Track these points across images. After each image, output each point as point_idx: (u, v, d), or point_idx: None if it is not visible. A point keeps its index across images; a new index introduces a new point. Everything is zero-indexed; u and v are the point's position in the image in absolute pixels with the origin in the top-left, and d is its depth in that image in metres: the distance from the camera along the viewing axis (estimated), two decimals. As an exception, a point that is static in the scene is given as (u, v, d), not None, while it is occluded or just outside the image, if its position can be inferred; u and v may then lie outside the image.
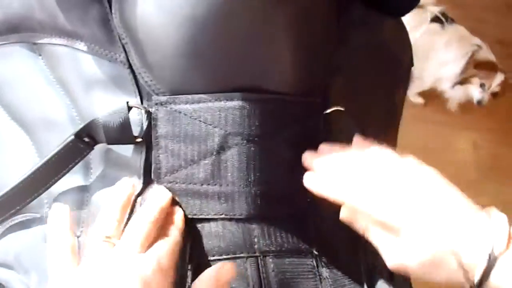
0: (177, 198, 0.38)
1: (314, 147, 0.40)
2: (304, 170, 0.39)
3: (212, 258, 0.37)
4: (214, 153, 0.38)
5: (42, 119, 0.43)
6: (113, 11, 0.39)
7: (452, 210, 0.34)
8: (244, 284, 0.37)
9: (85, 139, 0.39)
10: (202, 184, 0.38)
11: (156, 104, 0.38)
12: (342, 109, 0.43)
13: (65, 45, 0.41)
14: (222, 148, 0.37)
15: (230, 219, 0.38)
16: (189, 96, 0.38)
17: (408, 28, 0.53)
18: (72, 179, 0.41)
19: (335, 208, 0.38)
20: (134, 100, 0.39)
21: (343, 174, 0.37)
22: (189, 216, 0.38)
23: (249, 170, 0.38)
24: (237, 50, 0.37)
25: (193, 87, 0.38)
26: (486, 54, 1.28)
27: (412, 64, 0.53)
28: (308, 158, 0.39)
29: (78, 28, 0.40)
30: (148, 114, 0.38)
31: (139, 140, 0.39)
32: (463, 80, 1.28)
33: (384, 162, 0.37)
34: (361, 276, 0.41)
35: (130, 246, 0.34)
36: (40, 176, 0.40)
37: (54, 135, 0.42)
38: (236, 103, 0.37)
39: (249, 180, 0.38)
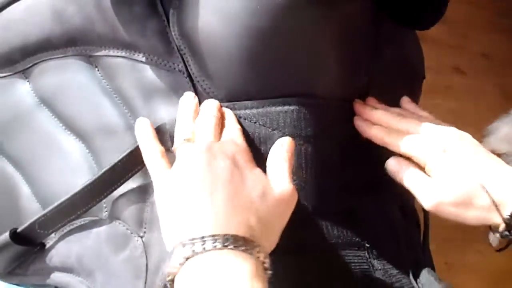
0: None
1: (357, 148, 0.44)
2: (350, 167, 0.43)
3: None
4: (256, 148, 0.40)
5: (99, 128, 0.45)
6: (170, 24, 0.42)
7: (481, 153, 0.40)
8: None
9: None
10: None
11: None
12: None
13: (124, 57, 0.44)
14: (264, 146, 0.41)
15: None
16: (248, 102, 0.41)
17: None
18: (131, 181, 0.43)
19: (380, 200, 0.43)
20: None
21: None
22: None
23: (304, 168, 0.41)
24: (292, 59, 0.40)
25: (251, 93, 0.41)
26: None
27: (424, 76, 0.57)
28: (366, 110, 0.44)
29: (137, 39, 0.43)
30: None
31: None
32: None
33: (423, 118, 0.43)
34: (407, 268, 0.44)
35: (206, 138, 0.37)
36: (103, 183, 0.42)
37: (112, 143, 0.45)
38: (293, 107, 0.40)
39: (304, 178, 0.41)
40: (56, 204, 0.42)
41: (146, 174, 0.44)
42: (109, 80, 0.45)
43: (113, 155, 0.43)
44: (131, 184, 0.43)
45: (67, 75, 0.47)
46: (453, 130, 0.41)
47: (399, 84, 0.51)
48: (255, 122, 0.41)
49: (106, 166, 0.42)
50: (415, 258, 0.45)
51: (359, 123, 0.44)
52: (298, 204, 0.40)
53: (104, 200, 0.44)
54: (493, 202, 0.37)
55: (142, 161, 0.41)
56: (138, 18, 0.43)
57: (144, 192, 0.43)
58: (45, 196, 0.47)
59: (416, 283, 0.43)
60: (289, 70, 0.40)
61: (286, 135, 0.40)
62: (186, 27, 0.41)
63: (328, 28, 0.40)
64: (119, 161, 0.41)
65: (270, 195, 0.35)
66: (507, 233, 0.38)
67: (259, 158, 0.40)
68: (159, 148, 0.39)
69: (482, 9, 1.64)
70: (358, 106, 0.44)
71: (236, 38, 0.39)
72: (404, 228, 0.47)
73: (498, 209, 0.37)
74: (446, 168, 0.39)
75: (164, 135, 0.41)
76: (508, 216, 0.37)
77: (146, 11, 0.43)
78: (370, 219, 0.44)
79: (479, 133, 1.51)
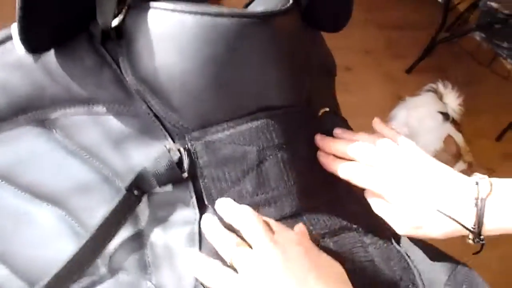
0: None
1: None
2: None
3: None
4: (255, 167, 0.43)
5: (73, 187, 0.44)
6: (123, 70, 0.43)
7: (428, 169, 0.44)
8: None
9: (134, 192, 0.42)
10: (251, 196, 0.43)
11: (191, 140, 0.43)
12: (327, 109, 0.52)
13: (82, 113, 0.44)
14: (260, 161, 0.43)
15: (280, 219, 0.43)
16: (219, 126, 0.43)
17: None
18: (122, 230, 0.43)
19: (356, 189, 0.48)
20: (167, 142, 0.43)
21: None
22: None
23: (286, 173, 0.44)
24: (249, 78, 0.43)
25: (219, 117, 0.43)
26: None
27: (336, 74, 0.62)
28: (325, 142, 0.48)
29: (94, 92, 0.43)
30: (187, 151, 0.43)
31: (185, 175, 0.43)
32: None
33: (386, 147, 0.47)
34: (390, 237, 0.48)
35: (264, 239, 0.38)
36: (95, 241, 0.42)
37: (91, 199, 0.44)
38: (260, 121, 0.43)
39: (288, 181, 0.44)
40: (51, 275, 0.41)
41: (136, 220, 0.44)
42: (71, 139, 0.45)
43: (97, 211, 0.42)
44: (123, 233, 0.43)
45: (22, 146, 0.45)
46: (397, 152, 0.46)
47: (324, 84, 0.57)
48: (230, 143, 0.43)
49: (91, 224, 0.42)
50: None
51: (322, 160, 0.48)
52: (291, 206, 0.43)
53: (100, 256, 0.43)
54: (455, 220, 0.41)
55: (132, 208, 0.41)
56: (91, 71, 0.43)
57: (139, 237, 0.43)
58: (27, 271, 0.45)
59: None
60: (248, 88, 0.43)
61: (262, 148, 0.43)
62: (142, 70, 0.42)
63: (275, 44, 0.44)
64: (108, 215, 0.41)
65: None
66: (477, 239, 0.42)
67: (243, 174, 0.42)
68: (235, 240, 0.40)
69: (356, 8, 1.83)
70: (318, 140, 0.48)
71: (197, 69, 0.41)
72: None
73: (461, 224, 0.41)
74: (401, 199, 0.44)
75: (148, 179, 0.42)
76: (473, 227, 0.41)
77: (97, 63, 0.43)
78: (349, 203, 0.48)
79: (383, 117, 1.68)
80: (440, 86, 1.57)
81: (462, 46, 2.04)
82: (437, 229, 0.43)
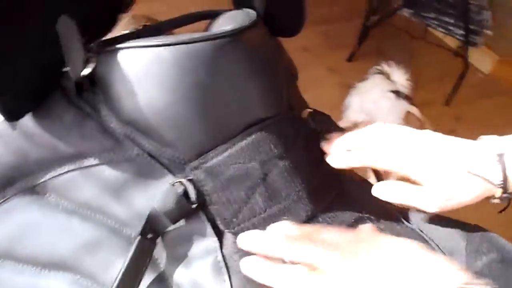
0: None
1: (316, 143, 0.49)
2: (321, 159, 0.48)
3: None
4: (261, 181, 0.43)
5: (80, 248, 0.43)
6: (105, 118, 0.42)
7: (448, 142, 0.45)
8: None
9: (148, 236, 0.41)
10: (265, 211, 0.43)
11: (192, 170, 0.42)
12: (311, 109, 0.52)
13: (73, 170, 0.43)
14: (265, 174, 0.43)
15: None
16: (216, 151, 0.42)
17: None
18: (143, 280, 0.42)
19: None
20: (169, 178, 0.42)
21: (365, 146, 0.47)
22: None
23: (292, 180, 0.44)
24: (236, 97, 0.43)
25: (214, 141, 0.43)
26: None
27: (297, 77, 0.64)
28: (334, 142, 0.48)
29: (81, 146, 0.42)
30: (191, 181, 0.42)
31: (195, 206, 0.42)
32: None
33: (393, 133, 0.47)
34: (399, 218, 0.49)
35: (332, 259, 0.37)
36: None
37: (102, 254, 0.43)
38: (254, 136, 0.43)
39: (296, 187, 0.44)
40: None
41: (155, 264, 0.43)
42: (67, 199, 0.43)
43: (112, 265, 0.41)
44: (145, 281, 0.42)
45: (15, 219, 0.43)
46: (418, 133, 0.46)
47: (294, 87, 0.57)
48: (231, 164, 0.42)
49: (109, 280, 0.40)
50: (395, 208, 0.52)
51: (334, 158, 0.47)
52: (306, 210, 0.43)
53: None
54: (485, 179, 0.43)
55: (148, 254, 0.40)
56: (72, 126, 0.42)
57: (162, 280, 0.42)
58: None
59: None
60: (235, 106, 0.43)
61: (264, 161, 0.43)
62: (125, 113, 0.41)
63: (251, 58, 0.44)
64: (126, 266, 0.40)
65: None
66: (505, 195, 0.43)
67: (252, 190, 0.42)
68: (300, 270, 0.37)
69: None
70: (325, 145, 0.49)
71: (181, 100, 0.41)
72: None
73: (491, 182, 0.43)
74: (429, 173, 0.44)
75: (159, 219, 0.41)
76: (500, 182, 0.42)
77: (77, 116, 0.42)
78: (355, 192, 0.49)
79: (338, 109, 1.73)
80: (385, 66, 1.62)
81: (394, 25, 2.12)
82: (468, 194, 0.43)
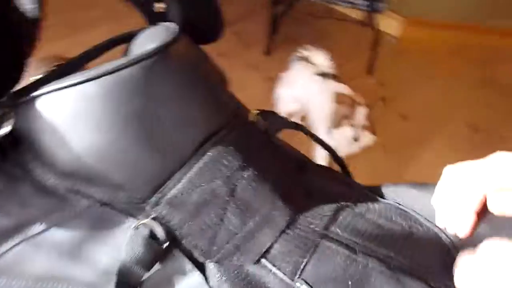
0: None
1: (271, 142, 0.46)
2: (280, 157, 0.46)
3: None
4: (230, 198, 0.40)
5: None
6: (40, 176, 0.37)
7: None
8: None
9: None
10: (242, 228, 0.40)
11: (153, 208, 0.38)
12: (257, 110, 0.50)
13: (20, 241, 0.37)
14: (232, 190, 0.40)
15: (280, 234, 0.40)
16: (172, 180, 0.39)
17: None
18: None
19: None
20: (130, 221, 0.38)
21: None
22: (256, 257, 0.39)
23: (262, 188, 0.41)
24: (179, 117, 0.40)
25: (168, 170, 0.39)
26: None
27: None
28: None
29: (22, 214, 0.37)
30: (156, 219, 0.38)
31: (166, 245, 0.38)
32: (336, 125, 1.42)
33: None
34: (372, 196, 0.48)
35: None
36: None
37: None
38: (209, 153, 0.40)
39: (267, 195, 0.41)
40: None
41: None
42: (19, 277, 0.37)
43: None
44: None
45: None
46: None
47: (228, 92, 0.55)
48: (193, 189, 0.39)
49: None
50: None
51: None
52: (284, 216, 0.40)
53: None
54: None
55: None
56: (4, 195, 0.37)
57: None
58: None
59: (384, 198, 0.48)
60: (181, 127, 0.40)
61: (227, 176, 0.40)
62: (61, 165, 0.37)
63: (184, 72, 0.41)
64: None
65: None
66: None
67: (223, 210, 0.39)
68: None
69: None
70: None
71: (121, 134, 0.37)
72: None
73: None
74: None
75: (132, 270, 0.37)
76: None
77: (7, 183, 0.37)
78: (323, 183, 0.47)
79: (268, 104, 1.73)
80: (304, 52, 1.63)
81: (300, 11, 2.15)
82: None
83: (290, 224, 0.41)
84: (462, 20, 2.41)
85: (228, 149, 0.41)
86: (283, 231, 0.40)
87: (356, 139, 1.39)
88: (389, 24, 2.36)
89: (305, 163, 0.50)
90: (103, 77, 0.36)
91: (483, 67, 2.31)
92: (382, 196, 0.49)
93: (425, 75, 2.18)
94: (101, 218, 0.38)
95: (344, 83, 1.59)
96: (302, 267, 0.38)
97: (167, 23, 0.44)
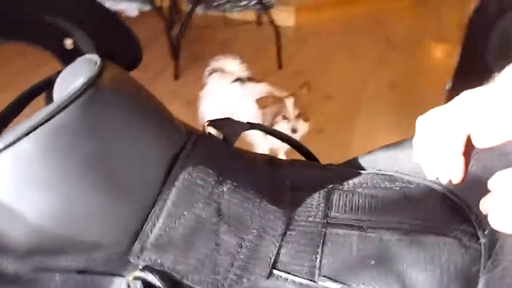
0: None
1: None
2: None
3: None
4: (218, 219, 0.36)
5: None
6: None
7: None
8: None
9: None
10: (243, 246, 0.36)
11: (139, 258, 0.34)
12: (207, 121, 0.46)
13: None
14: (217, 209, 0.36)
15: (283, 237, 0.37)
16: (150, 221, 0.34)
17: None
18: None
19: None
20: (118, 280, 0.34)
21: None
22: (267, 271, 0.35)
23: (247, 197, 0.38)
24: (137, 148, 0.36)
25: (141, 212, 0.35)
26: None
27: None
28: None
29: None
30: (147, 268, 0.34)
31: None
32: (271, 124, 1.39)
33: None
34: (349, 171, 0.47)
35: None
36: None
37: None
38: (183, 175, 0.36)
39: (255, 203, 0.38)
40: None
41: None
42: None
43: None
44: None
45: None
46: None
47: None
48: (176, 222, 0.35)
49: None
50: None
51: None
52: (281, 220, 0.37)
53: None
54: None
55: None
56: None
57: None
58: None
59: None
60: (140, 160, 0.36)
61: (207, 195, 0.36)
62: (21, 243, 0.32)
63: (125, 101, 0.37)
64: None
65: None
66: None
67: (216, 233, 0.35)
68: None
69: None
70: None
71: (80, 189, 0.32)
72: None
73: None
74: None
75: None
76: None
77: None
78: (299, 173, 0.45)
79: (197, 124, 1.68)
80: (215, 64, 1.61)
81: (197, 27, 2.14)
82: None
83: (288, 225, 0.37)
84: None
85: (198, 168, 0.37)
86: (284, 234, 0.37)
87: (294, 131, 1.39)
88: (283, 16, 2.40)
89: (272, 159, 0.47)
90: (37, 130, 0.31)
91: (377, 32, 2.43)
92: (361, 169, 0.47)
93: (330, 53, 2.24)
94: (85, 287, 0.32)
95: (262, 82, 1.59)
96: (318, 264, 0.35)
97: (87, 56, 0.39)
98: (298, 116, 1.41)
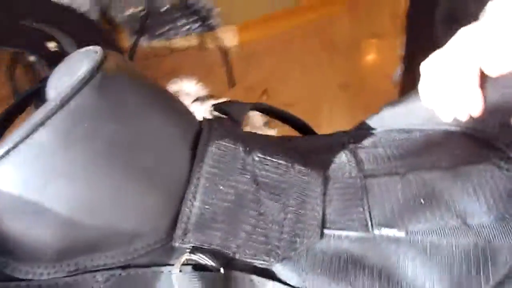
0: None
1: None
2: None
3: None
4: (254, 187, 0.34)
5: None
6: (26, 281, 0.28)
7: None
8: None
9: None
10: (285, 210, 0.34)
11: (183, 240, 0.31)
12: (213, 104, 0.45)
13: None
14: (253, 178, 0.34)
15: (324, 197, 0.36)
16: (188, 203, 0.32)
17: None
18: None
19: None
20: (167, 268, 0.31)
21: None
22: (318, 232, 0.34)
23: (276, 164, 0.36)
24: (164, 128, 0.34)
25: (178, 193, 0.32)
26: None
27: None
28: None
29: None
30: (193, 251, 0.31)
31: (222, 270, 0.31)
32: None
33: None
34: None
35: None
36: None
37: None
38: (209, 150, 0.34)
39: (285, 167, 0.36)
40: None
41: None
42: None
43: None
44: None
45: None
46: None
47: None
48: (214, 197, 0.32)
49: None
50: None
51: None
52: (319, 182, 0.35)
53: None
54: None
55: None
56: None
57: None
58: None
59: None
60: (170, 138, 0.33)
61: (241, 166, 0.34)
62: (53, 244, 0.28)
63: (145, 89, 0.35)
64: None
65: None
66: None
67: (257, 196, 0.33)
68: None
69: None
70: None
71: (110, 169, 0.29)
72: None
73: None
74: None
75: None
76: None
77: None
78: (313, 141, 0.44)
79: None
80: (171, 87, 1.59)
81: (145, 57, 2.11)
82: None
83: (326, 185, 0.36)
84: (279, 7, 2.58)
85: (224, 141, 0.35)
86: (324, 194, 0.35)
87: None
88: (227, 36, 2.42)
89: (284, 136, 0.46)
90: (52, 118, 0.28)
91: (321, 38, 2.49)
92: (371, 129, 0.46)
93: (281, 64, 2.27)
94: (131, 284, 0.29)
95: (222, 98, 1.58)
96: (368, 215, 0.34)
97: (85, 48, 0.36)
98: (265, 124, 1.40)
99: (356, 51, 2.33)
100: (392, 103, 0.47)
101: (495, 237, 0.31)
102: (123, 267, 0.30)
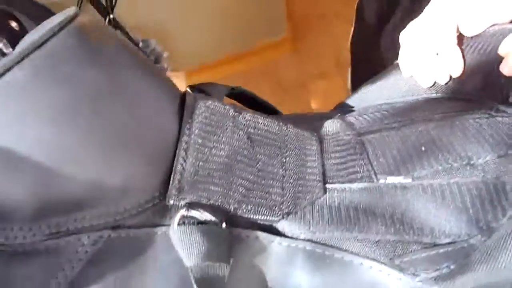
0: None
1: None
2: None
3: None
4: (250, 145, 0.31)
5: None
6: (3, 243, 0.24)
7: None
8: None
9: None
10: (284, 171, 0.32)
11: (179, 197, 0.28)
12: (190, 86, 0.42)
13: None
14: (249, 138, 0.32)
15: (322, 155, 0.34)
16: (181, 156, 0.29)
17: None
18: None
19: None
20: (162, 228, 0.27)
21: None
22: (319, 187, 0.31)
23: (270, 122, 0.34)
24: (153, 81, 0.31)
25: (170, 146, 0.29)
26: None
27: None
28: None
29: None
30: (192, 205, 0.28)
31: (224, 225, 0.28)
32: None
33: None
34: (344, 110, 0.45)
35: None
36: None
37: None
38: (199, 105, 0.32)
39: (278, 126, 0.34)
40: None
41: None
42: None
43: None
44: None
45: None
46: None
47: None
48: (209, 149, 0.30)
49: None
50: None
51: None
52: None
53: None
54: None
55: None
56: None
57: None
58: None
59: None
60: (160, 89, 0.31)
61: (233, 122, 0.32)
62: (34, 198, 0.24)
63: (129, 47, 0.32)
64: None
65: None
66: None
67: (252, 147, 0.30)
68: None
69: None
70: None
71: (98, 115, 0.26)
72: None
73: None
74: None
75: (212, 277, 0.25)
76: None
77: None
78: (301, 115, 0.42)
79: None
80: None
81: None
82: None
83: (321, 143, 0.34)
84: (230, 52, 2.63)
85: (212, 100, 0.33)
86: (321, 152, 0.33)
87: None
88: (176, 81, 2.41)
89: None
90: (30, 56, 0.25)
91: (270, 80, 2.54)
92: (352, 109, 0.45)
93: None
94: (122, 247, 0.26)
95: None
96: (370, 166, 0.32)
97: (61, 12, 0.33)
98: None
99: (302, 92, 2.39)
100: (371, 80, 0.47)
101: (502, 173, 0.30)
102: (113, 228, 0.26)
